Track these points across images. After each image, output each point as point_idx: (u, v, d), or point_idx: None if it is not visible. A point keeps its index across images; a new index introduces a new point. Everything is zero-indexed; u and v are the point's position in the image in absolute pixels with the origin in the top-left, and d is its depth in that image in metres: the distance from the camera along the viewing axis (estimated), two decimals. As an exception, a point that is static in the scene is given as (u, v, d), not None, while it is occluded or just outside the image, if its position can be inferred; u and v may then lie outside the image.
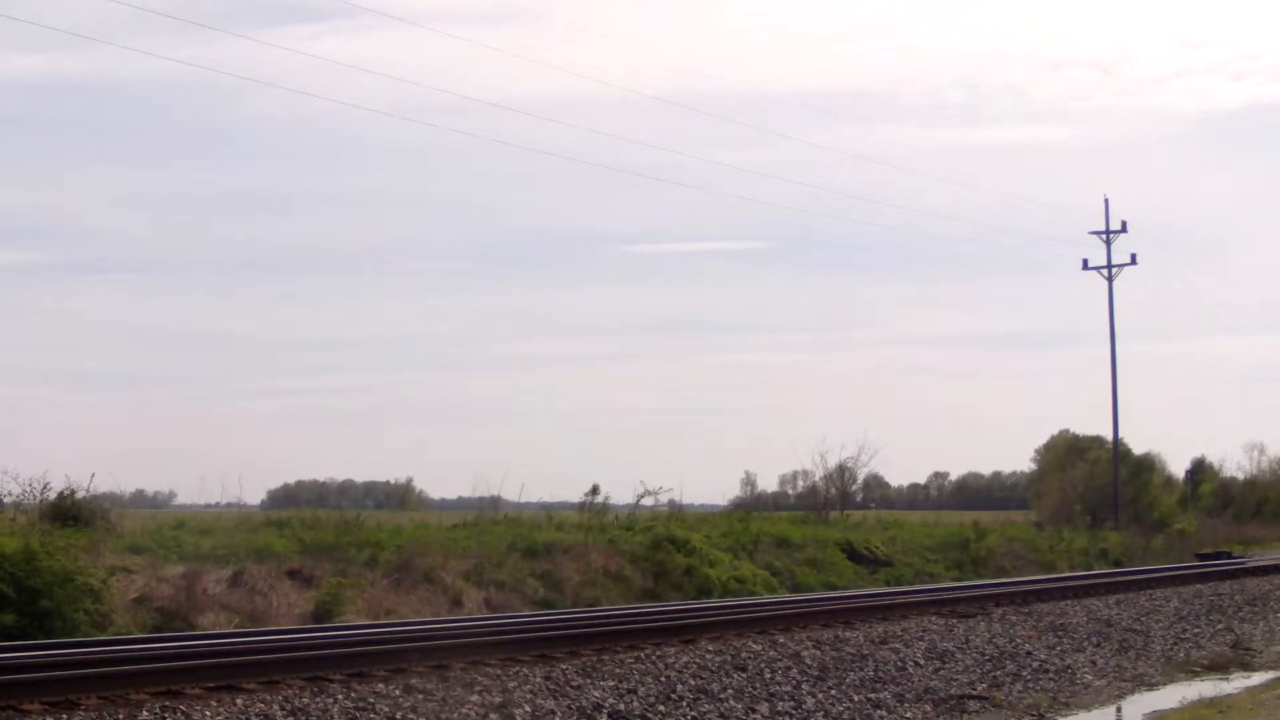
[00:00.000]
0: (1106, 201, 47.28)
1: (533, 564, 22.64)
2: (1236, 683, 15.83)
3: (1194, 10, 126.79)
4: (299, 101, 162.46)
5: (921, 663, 14.72)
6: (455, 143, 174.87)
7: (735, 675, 12.86)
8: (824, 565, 28.66)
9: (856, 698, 12.94)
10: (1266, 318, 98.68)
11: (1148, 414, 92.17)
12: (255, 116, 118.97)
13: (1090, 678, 15.76)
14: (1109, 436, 48.77)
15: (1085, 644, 17.44)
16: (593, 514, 27.14)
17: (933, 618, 17.31)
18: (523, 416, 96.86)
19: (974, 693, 13.95)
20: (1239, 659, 17.98)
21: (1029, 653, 16.25)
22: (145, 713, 9.40)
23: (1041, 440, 62.92)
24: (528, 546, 23.31)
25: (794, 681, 13.03)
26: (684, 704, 11.68)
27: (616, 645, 13.52)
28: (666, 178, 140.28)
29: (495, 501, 29.75)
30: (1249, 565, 31.19)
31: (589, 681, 11.82)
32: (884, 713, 12.73)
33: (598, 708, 11.16)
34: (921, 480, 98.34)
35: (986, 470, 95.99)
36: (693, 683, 12.34)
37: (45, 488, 19.48)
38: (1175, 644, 18.63)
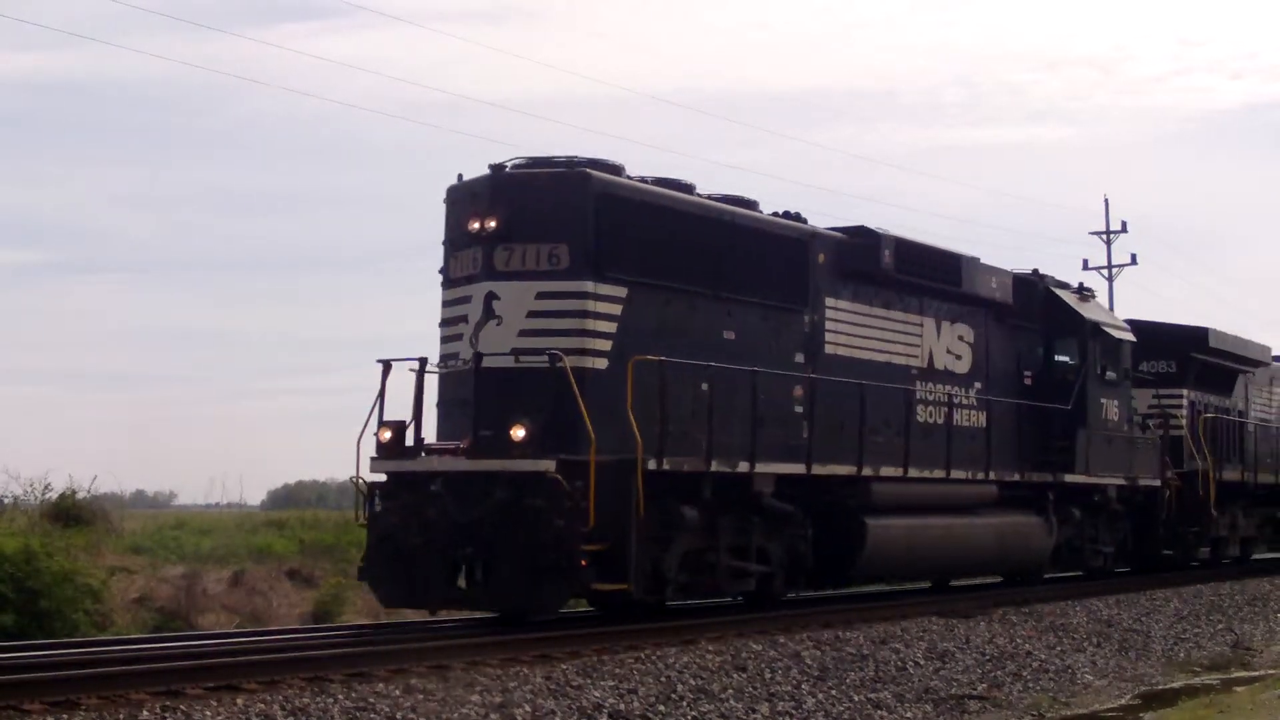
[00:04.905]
0: (1106, 201, 47.51)
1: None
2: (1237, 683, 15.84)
3: (1193, 9, 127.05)
4: (297, 101, 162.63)
5: (921, 663, 14.72)
6: (455, 143, 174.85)
7: (735, 675, 12.85)
8: (824, 565, 28.61)
9: (856, 698, 12.94)
10: (1266, 318, 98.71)
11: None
12: (253, 115, 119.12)
13: (1090, 678, 15.76)
14: (1109, 436, 48.73)
15: (1085, 644, 17.44)
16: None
17: (933, 618, 17.30)
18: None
19: (974, 693, 13.96)
20: (1239, 659, 17.99)
21: (1029, 653, 16.24)
22: (145, 713, 9.39)
23: (1041, 440, 62.70)
24: (528, 546, 23.26)
25: (794, 681, 13.02)
26: (684, 704, 11.68)
27: (616, 645, 13.51)
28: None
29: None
30: (1249, 565, 31.14)
31: (589, 681, 11.81)
32: (884, 713, 12.73)
33: (598, 708, 11.15)
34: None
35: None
36: (693, 683, 12.32)
37: (46, 488, 19.53)
38: (1175, 644, 18.64)
